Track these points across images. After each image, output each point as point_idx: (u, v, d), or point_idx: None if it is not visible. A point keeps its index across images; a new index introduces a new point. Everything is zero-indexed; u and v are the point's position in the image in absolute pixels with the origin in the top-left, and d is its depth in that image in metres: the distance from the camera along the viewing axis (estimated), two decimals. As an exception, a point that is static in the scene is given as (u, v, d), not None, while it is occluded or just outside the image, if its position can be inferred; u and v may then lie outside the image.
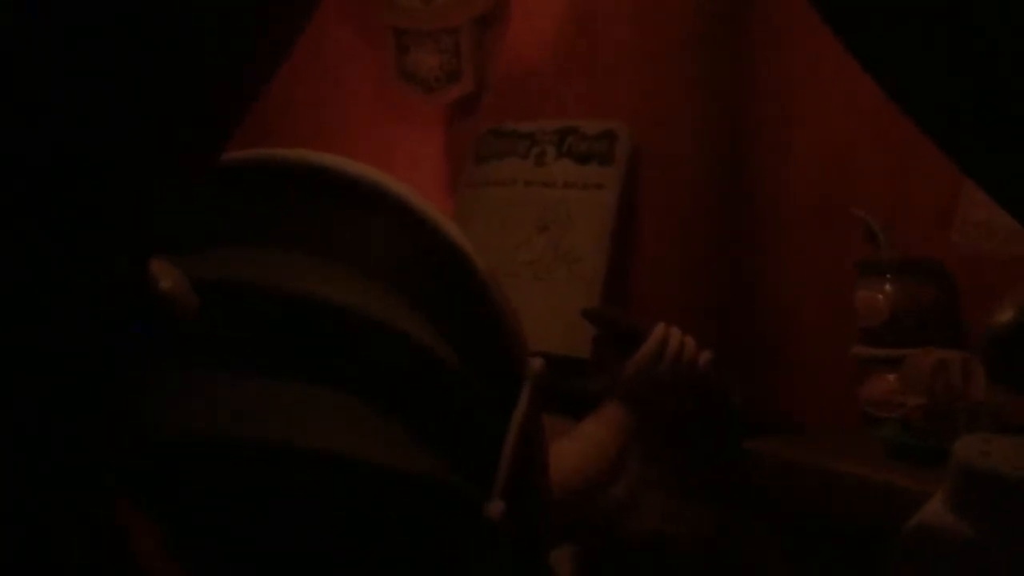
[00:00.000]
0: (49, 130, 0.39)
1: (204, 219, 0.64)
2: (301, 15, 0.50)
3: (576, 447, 1.19)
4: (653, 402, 1.23)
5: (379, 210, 0.70)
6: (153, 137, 0.43)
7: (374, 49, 1.90)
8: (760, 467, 1.35)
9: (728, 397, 1.40)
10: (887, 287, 1.34)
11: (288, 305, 0.63)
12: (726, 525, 1.46)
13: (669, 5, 1.69)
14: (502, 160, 1.75)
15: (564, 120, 1.73)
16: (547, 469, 0.80)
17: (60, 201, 0.41)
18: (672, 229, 1.69)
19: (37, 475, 0.47)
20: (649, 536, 1.45)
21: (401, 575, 0.64)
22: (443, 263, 0.71)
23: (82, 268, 0.42)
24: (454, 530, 0.67)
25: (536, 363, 0.75)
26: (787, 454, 1.34)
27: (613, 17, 1.74)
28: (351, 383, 0.63)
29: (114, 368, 0.49)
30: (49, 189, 0.41)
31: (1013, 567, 0.59)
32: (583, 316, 1.42)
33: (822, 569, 1.25)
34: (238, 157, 0.70)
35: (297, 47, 0.53)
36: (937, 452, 0.88)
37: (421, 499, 0.64)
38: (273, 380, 0.61)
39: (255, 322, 0.62)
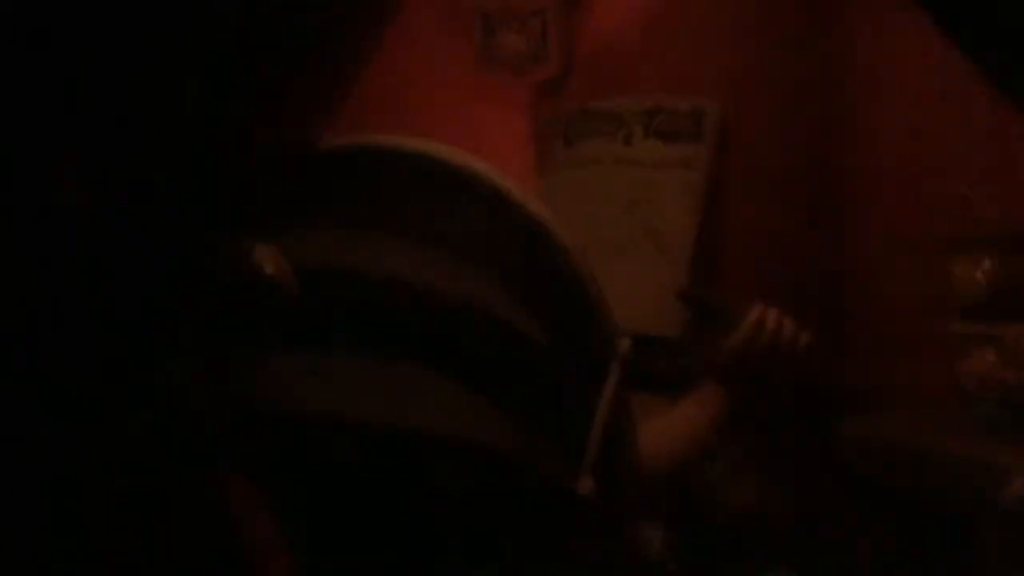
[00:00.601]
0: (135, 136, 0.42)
1: (305, 204, 0.67)
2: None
3: (671, 427, 1.19)
4: (750, 383, 1.22)
5: (470, 193, 0.71)
6: (219, 115, 0.45)
7: (461, 32, 1.92)
8: (855, 445, 1.34)
9: (820, 377, 1.39)
10: (986, 262, 1.30)
11: (386, 289, 0.65)
12: (815, 503, 1.45)
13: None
14: (590, 140, 1.75)
15: (652, 99, 1.73)
16: (636, 446, 0.81)
17: (165, 194, 0.43)
18: (760, 205, 1.67)
19: (153, 451, 0.49)
20: (742, 514, 1.45)
21: (496, 547, 0.66)
22: (533, 244, 0.72)
23: (191, 255, 0.44)
24: (546, 505, 0.68)
25: (624, 343, 0.75)
26: (883, 432, 1.32)
27: (701, -4, 1.72)
28: (448, 363, 0.64)
29: (222, 348, 0.51)
30: (150, 185, 0.43)
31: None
32: (677, 298, 1.41)
33: (914, 545, 1.23)
34: (334, 144, 0.72)
35: (380, 31, 0.54)
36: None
37: (514, 475, 0.66)
38: (374, 362, 0.63)
39: (354, 305, 0.64)
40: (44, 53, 0.40)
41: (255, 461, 0.61)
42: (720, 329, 1.23)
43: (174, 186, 0.43)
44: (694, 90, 1.71)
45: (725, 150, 1.68)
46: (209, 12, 0.42)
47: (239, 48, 0.44)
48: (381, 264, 0.66)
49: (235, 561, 0.55)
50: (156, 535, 0.51)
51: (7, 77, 0.40)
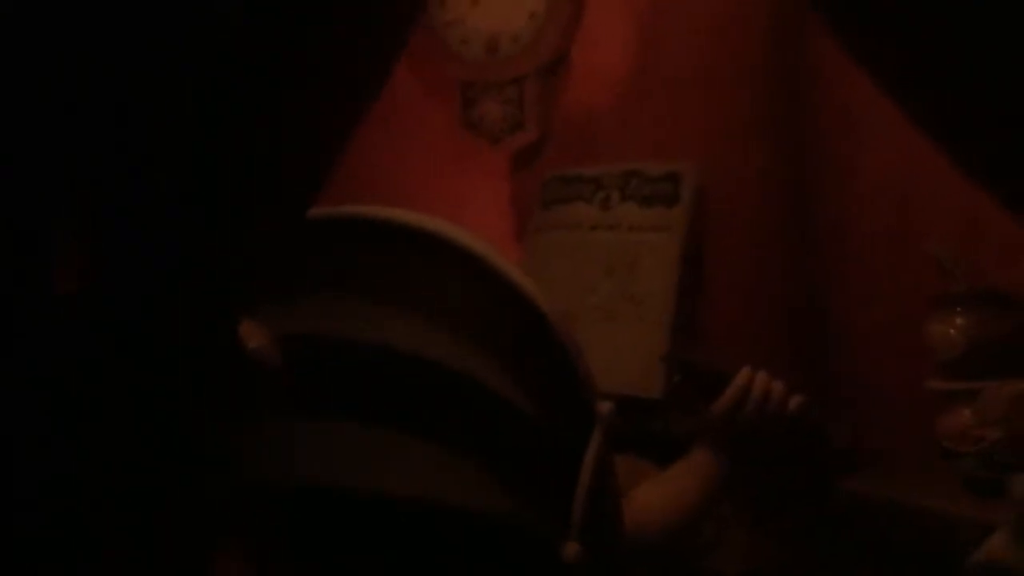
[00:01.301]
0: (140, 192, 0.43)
1: (291, 274, 0.68)
2: (386, 64, 0.53)
3: (663, 493, 1.20)
4: (740, 447, 1.23)
5: (450, 261, 0.73)
6: (245, 192, 0.47)
7: (441, 102, 1.95)
8: (841, 503, 1.34)
9: (830, 436, 1.39)
10: (959, 320, 1.32)
11: (371, 356, 0.66)
12: (806, 562, 1.45)
13: (730, 46, 1.70)
14: (568, 205, 1.77)
15: (628, 163, 1.75)
16: (621, 511, 0.81)
17: (163, 260, 0.44)
18: (740, 265, 1.70)
19: (138, 522, 0.49)
20: (729, 574, 1.45)
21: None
22: (513, 310, 0.73)
23: (184, 329, 0.45)
24: (532, 571, 0.69)
25: (605, 406, 0.76)
26: (866, 489, 1.33)
27: (674, 60, 1.76)
28: (431, 430, 0.65)
29: (210, 420, 0.52)
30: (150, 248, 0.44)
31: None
32: (662, 361, 1.43)
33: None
34: (317, 213, 0.74)
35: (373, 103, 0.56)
36: (1016, 486, 0.87)
37: (500, 541, 0.66)
38: (357, 429, 0.64)
39: (340, 373, 0.65)
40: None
41: (239, 529, 0.61)
42: (708, 392, 1.24)
43: (174, 258, 0.44)
44: (670, 153, 1.74)
45: (702, 212, 1.71)
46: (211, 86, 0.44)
47: (237, 117, 0.45)
48: (366, 332, 0.67)
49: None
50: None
51: None
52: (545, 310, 0.74)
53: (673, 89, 1.76)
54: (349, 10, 0.50)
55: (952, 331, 1.31)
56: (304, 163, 0.51)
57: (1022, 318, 1.34)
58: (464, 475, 0.66)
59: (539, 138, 1.89)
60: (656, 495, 1.22)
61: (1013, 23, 0.48)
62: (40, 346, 0.43)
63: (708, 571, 1.43)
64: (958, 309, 1.34)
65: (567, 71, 1.87)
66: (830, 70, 1.61)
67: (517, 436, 0.69)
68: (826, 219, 1.66)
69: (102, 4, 0.41)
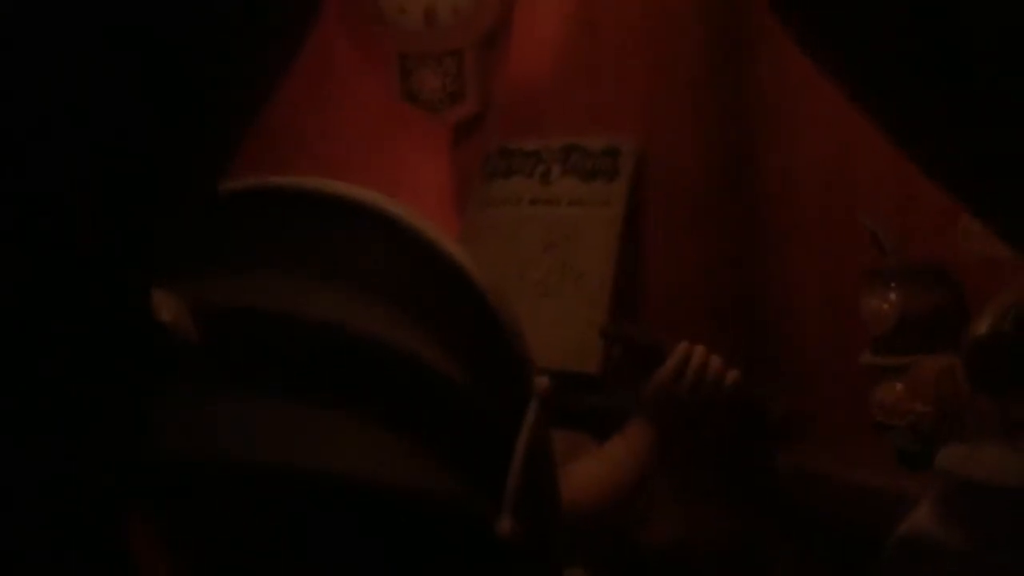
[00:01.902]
0: (56, 158, 0.41)
1: (207, 245, 0.66)
2: (299, 30, 0.51)
3: (600, 467, 1.20)
4: (676, 420, 1.23)
5: (379, 232, 0.71)
6: (155, 160, 0.44)
7: (378, 73, 1.92)
8: (776, 476, 1.36)
9: (766, 411, 1.40)
10: (892, 295, 1.34)
11: (292, 328, 0.64)
12: (745, 534, 1.46)
13: (670, 17, 1.70)
14: (508, 179, 1.76)
15: (568, 137, 1.75)
16: (557, 485, 0.80)
17: (64, 226, 0.42)
18: (678, 240, 1.70)
19: (45, 497, 0.48)
20: (667, 546, 1.46)
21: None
22: (448, 284, 0.71)
23: (86, 295, 0.43)
24: (465, 548, 0.68)
25: (542, 381, 0.75)
26: (801, 462, 1.34)
27: (614, 31, 1.75)
28: (358, 403, 0.64)
29: (119, 394, 0.50)
30: (54, 214, 0.42)
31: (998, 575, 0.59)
32: (600, 335, 1.43)
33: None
34: (238, 184, 0.71)
35: (301, 73, 0.54)
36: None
37: (431, 518, 0.65)
38: (279, 404, 0.62)
39: (260, 347, 0.63)
40: None
41: (155, 508, 0.59)
42: (646, 366, 1.24)
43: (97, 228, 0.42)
44: (611, 126, 1.73)
45: (642, 187, 1.71)
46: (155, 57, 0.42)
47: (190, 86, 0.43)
48: (292, 305, 0.65)
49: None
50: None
51: None
52: (480, 282, 0.73)
53: (614, 60, 1.76)
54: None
55: (885, 306, 1.33)
56: (221, 127, 0.49)
57: (953, 292, 1.36)
58: (393, 450, 0.64)
59: (479, 110, 1.87)
60: (593, 470, 1.22)
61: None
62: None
63: (644, 544, 1.44)
64: (891, 284, 1.35)
65: (507, 42, 1.85)
66: (769, 46, 1.62)
67: (449, 411, 0.68)
68: (765, 193, 1.67)
69: None
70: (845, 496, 1.23)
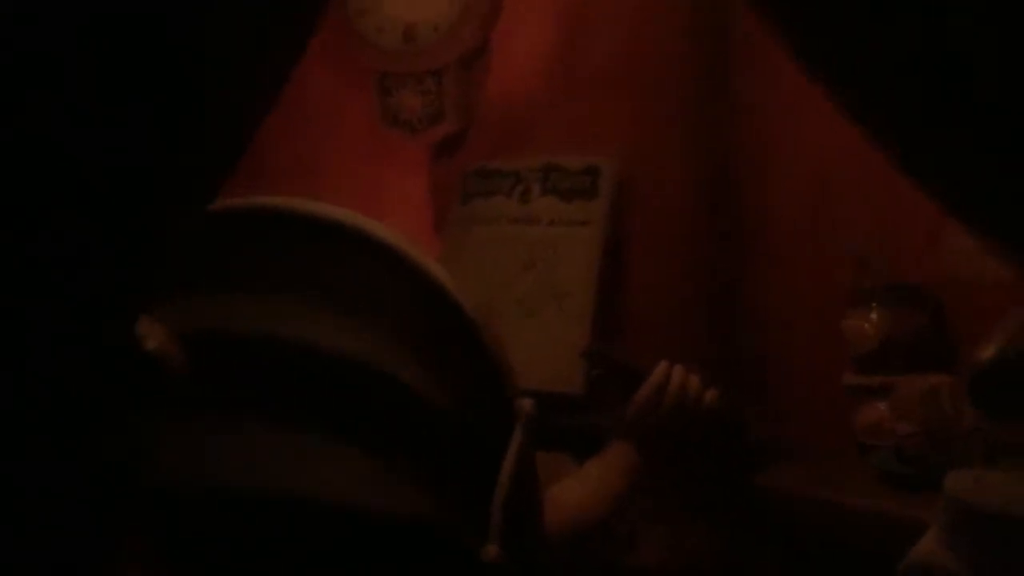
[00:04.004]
0: (42, 180, 0.39)
1: (194, 267, 0.65)
2: (292, 54, 0.50)
3: (581, 489, 1.19)
4: (657, 441, 1.23)
5: (365, 254, 0.70)
6: (146, 183, 0.43)
7: (357, 93, 1.91)
8: (759, 496, 1.35)
9: (744, 432, 1.40)
10: (874, 315, 1.34)
11: (278, 352, 0.63)
12: (728, 555, 1.45)
13: (650, 38, 1.70)
14: (488, 199, 1.75)
15: (547, 156, 1.74)
16: (542, 509, 0.80)
17: (51, 250, 0.40)
18: (660, 260, 1.70)
19: (37, 525, 0.46)
20: (650, 568, 1.44)
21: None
22: (430, 305, 0.71)
23: (73, 320, 0.42)
24: (450, 572, 0.67)
25: (526, 404, 0.75)
26: (783, 483, 1.34)
27: (595, 52, 1.75)
28: (344, 429, 0.63)
29: (107, 421, 0.49)
30: (42, 236, 0.41)
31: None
32: (581, 357, 1.42)
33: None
34: (225, 205, 0.70)
35: (282, 93, 0.53)
36: (931, 480, 0.88)
37: (417, 543, 0.64)
38: (267, 429, 0.61)
39: (244, 371, 0.62)
40: None
41: (145, 533, 0.58)
42: (626, 387, 1.24)
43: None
44: (591, 147, 1.73)
45: (622, 207, 1.70)
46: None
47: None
48: (276, 328, 0.64)
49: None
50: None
51: None
52: (463, 304, 0.72)
53: (594, 81, 1.75)
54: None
55: (866, 325, 1.33)
56: (210, 150, 0.48)
57: (935, 313, 1.36)
58: (378, 475, 0.63)
59: (459, 130, 1.86)
60: (575, 492, 1.21)
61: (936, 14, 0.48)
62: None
63: (626, 566, 1.43)
64: (873, 304, 1.35)
65: (487, 62, 1.84)
66: (751, 64, 1.62)
67: (435, 434, 0.67)
68: (745, 213, 1.67)
69: None
70: (828, 517, 1.22)
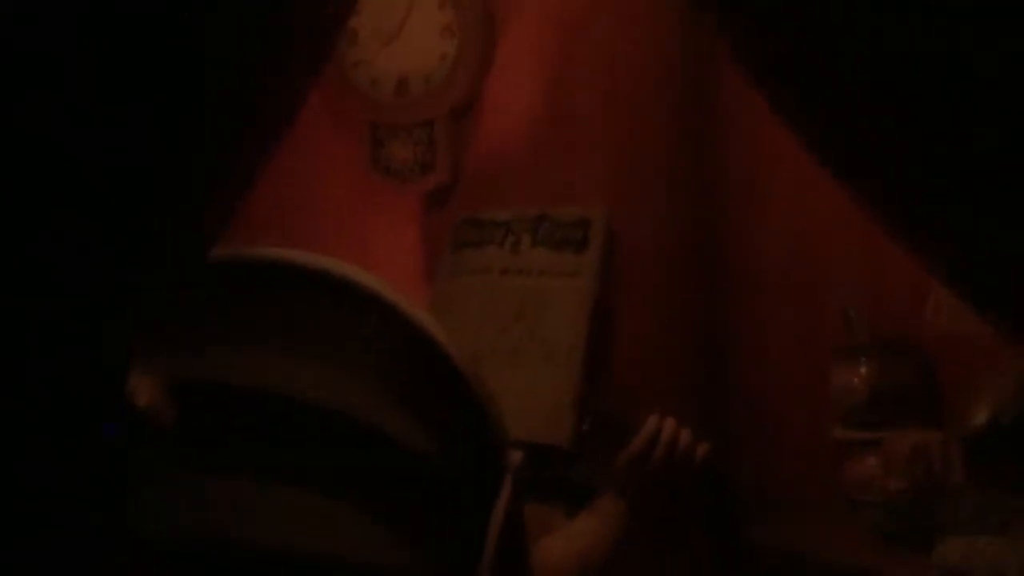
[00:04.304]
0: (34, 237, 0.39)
1: (183, 317, 0.64)
2: (291, 107, 0.51)
3: (571, 543, 1.18)
4: (647, 494, 1.22)
5: (354, 304, 0.70)
6: (146, 183, 0.43)
7: (349, 143, 1.92)
8: (747, 551, 1.34)
9: (733, 486, 1.39)
10: (863, 369, 1.34)
11: (265, 404, 0.62)
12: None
13: (638, 93, 1.72)
14: (478, 249, 1.76)
15: (539, 207, 1.75)
16: (530, 562, 0.79)
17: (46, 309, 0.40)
18: (647, 313, 1.70)
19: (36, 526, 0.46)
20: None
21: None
22: (419, 355, 0.71)
23: (65, 380, 0.41)
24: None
25: (515, 456, 0.74)
26: (773, 538, 1.33)
27: (585, 105, 1.77)
28: (330, 481, 0.62)
29: (99, 474, 0.48)
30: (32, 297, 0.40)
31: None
32: (572, 407, 1.41)
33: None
34: (213, 255, 0.70)
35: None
36: (921, 536, 0.88)
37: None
38: (252, 482, 0.61)
39: (233, 423, 0.62)
40: None
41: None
42: (616, 440, 1.23)
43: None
44: (580, 199, 1.74)
45: (611, 258, 1.71)
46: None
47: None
48: (263, 380, 0.64)
49: None
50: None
51: None
52: (452, 355, 0.72)
53: (583, 134, 1.77)
54: (260, 44, 0.47)
55: (855, 380, 1.33)
56: (206, 203, 0.48)
57: (923, 368, 1.37)
58: (368, 530, 0.63)
59: (450, 180, 1.87)
60: (564, 545, 1.20)
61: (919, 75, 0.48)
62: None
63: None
64: (862, 359, 1.36)
65: (478, 114, 1.86)
66: (739, 122, 1.64)
67: (422, 487, 0.67)
68: (732, 267, 1.68)
69: None
70: (816, 572, 1.21)
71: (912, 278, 1.39)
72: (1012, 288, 0.51)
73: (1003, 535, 0.68)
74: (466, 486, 0.70)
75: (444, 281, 1.78)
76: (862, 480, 1.26)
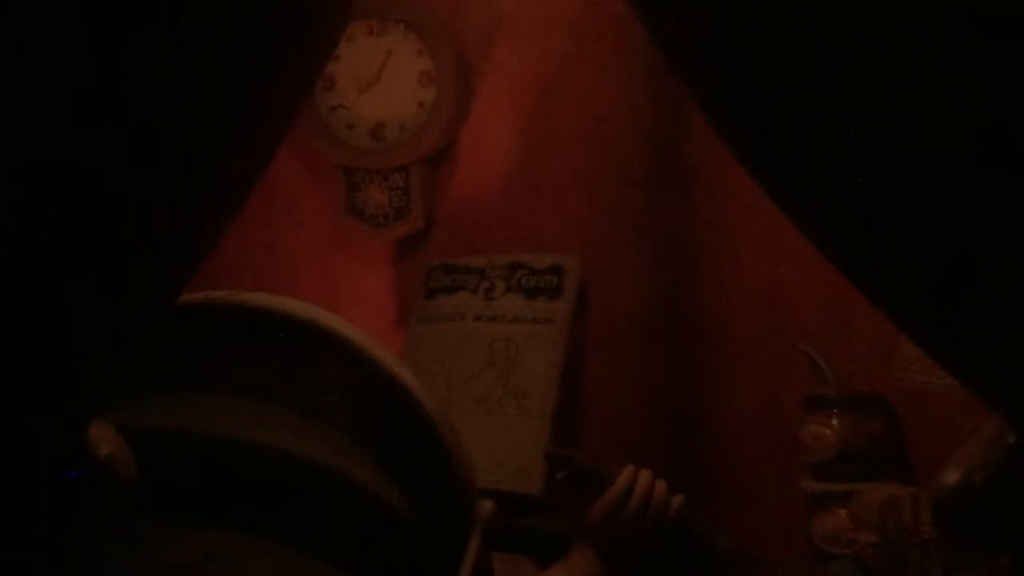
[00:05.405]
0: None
1: (148, 364, 0.64)
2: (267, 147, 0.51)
3: None
4: (621, 546, 1.21)
5: (326, 352, 0.69)
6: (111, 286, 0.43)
7: (323, 187, 1.93)
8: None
9: (707, 541, 1.38)
10: (834, 421, 1.35)
11: (237, 456, 0.62)
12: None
13: (613, 143, 1.74)
14: (452, 294, 1.76)
15: (513, 255, 1.76)
16: (499, 616, 0.78)
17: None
18: (617, 364, 1.70)
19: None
20: None
21: None
22: (389, 403, 0.70)
23: (21, 428, 0.41)
24: None
25: (486, 506, 0.74)
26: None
27: (559, 155, 1.78)
28: (299, 532, 0.61)
29: (53, 526, 0.47)
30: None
31: None
32: (546, 458, 1.40)
33: None
34: (191, 299, 0.70)
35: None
36: (891, 590, 0.88)
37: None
38: (216, 533, 0.60)
39: (203, 474, 0.61)
40: None
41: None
42: (590, 490, 1.22)
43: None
44: (554, 246, 1.75)
45: (584, 307, 1.71)
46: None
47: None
48: (232, 430, 0.63)
49: None
50: None
51: None
52: (424, 402, 0.72)
53: (556, 185, 1.78)
54: (236, 89, 0.47)
55: (827, 431, 1.34)
56: (176, 247, 0.48)
57: (891, 421, 1.37)
58: (333, 580, 0.62)
59: (424, 226, 1.88)
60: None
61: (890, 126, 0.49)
62: None
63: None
64: (833, 410, 1.36)
65: (453, 161, 1.87)
66: (710, 174, 1.66)
67: (390, 538, 0.66)
68: (703, 319, 1.69)
69: None
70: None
71: (879, 331, 1.41)
72: (984, 349, 0.52)
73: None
74: (435, 537, 0.69)
75: (416, 327, 1.77)
76: (832, 533, 1.26)
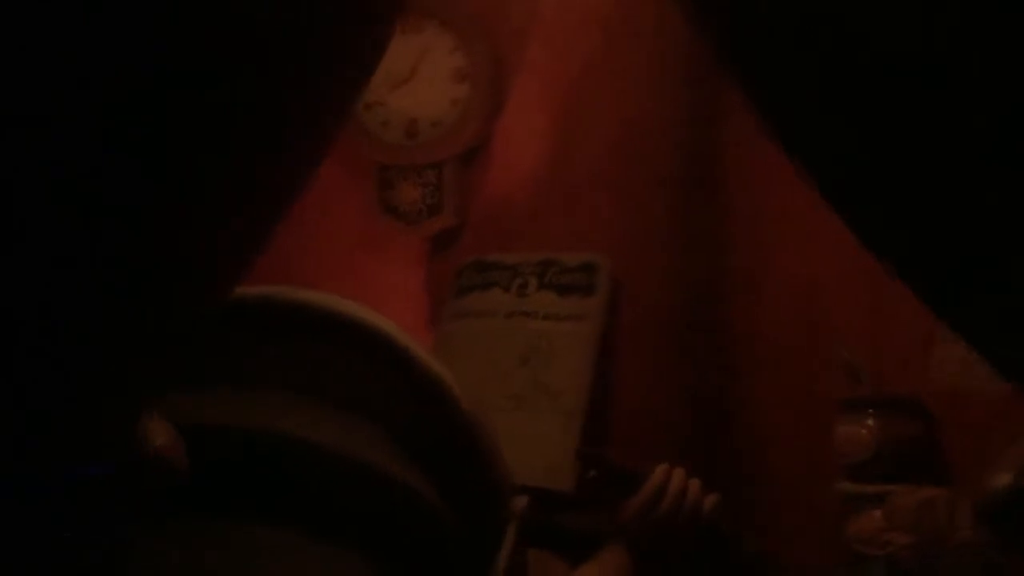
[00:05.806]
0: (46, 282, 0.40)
1: (191, 360, 0.64)
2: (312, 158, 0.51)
3: None
4: (653, 545, 1.20)
5: (364, 348, 0.70)
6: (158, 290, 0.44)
7: (357, 184, 1.93)
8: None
9: (739, 542, 1.38)
10: (870, 422, 1.34)
11: (277, 450, 0.62)
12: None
13: (644, 143, 1.73)
14: (484, 292, 1.76)
15: (546, 252, 1.76)
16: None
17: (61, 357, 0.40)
18: (648, 365, 1.70)
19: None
20: None
21: None
22: (428, 401, 0.70)
23: (75, 424, 0.41)
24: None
25: (520, 502, 0.74)
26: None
27: (592, 154, 1.78)
28: (336, 526, 0.62)
29: (105, 520, 0.48)
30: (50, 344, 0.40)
31: None
32: (578, 457, 1.40)
33: None
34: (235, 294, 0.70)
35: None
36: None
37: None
38: (259, 528, 0.60)
39: (245, 468, 0.62)
40: None
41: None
42: (622, 489, 1.22)
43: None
44: (585, 245, 1.75)
45: (616, 305, 1.71)
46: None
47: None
48: (273, 424, 0.64)
49: None
50: None
51: None
52: (460, 399, 0.72)
53: (588, 184, 1.78)
54: (282, 97, 0.48)
55: (863, 432, 1.33)
56: (223, 251, 0.49)
57: (926, 423, 1.36)
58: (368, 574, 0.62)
59: (456, 223, 1.88)
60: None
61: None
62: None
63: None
64: (869, 411, 1.35)
65: (486, 158, 1.87)
66: (744, 173, 1.65)
67: (426, 532, 0.66)
68: (735, 319, 1.68)
69: None
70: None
71: (914, 333, 1.39)
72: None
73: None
74: (470, 532, 0.69)
75: (448, 323, 1.78)
76: (868, 534, 1.25)
